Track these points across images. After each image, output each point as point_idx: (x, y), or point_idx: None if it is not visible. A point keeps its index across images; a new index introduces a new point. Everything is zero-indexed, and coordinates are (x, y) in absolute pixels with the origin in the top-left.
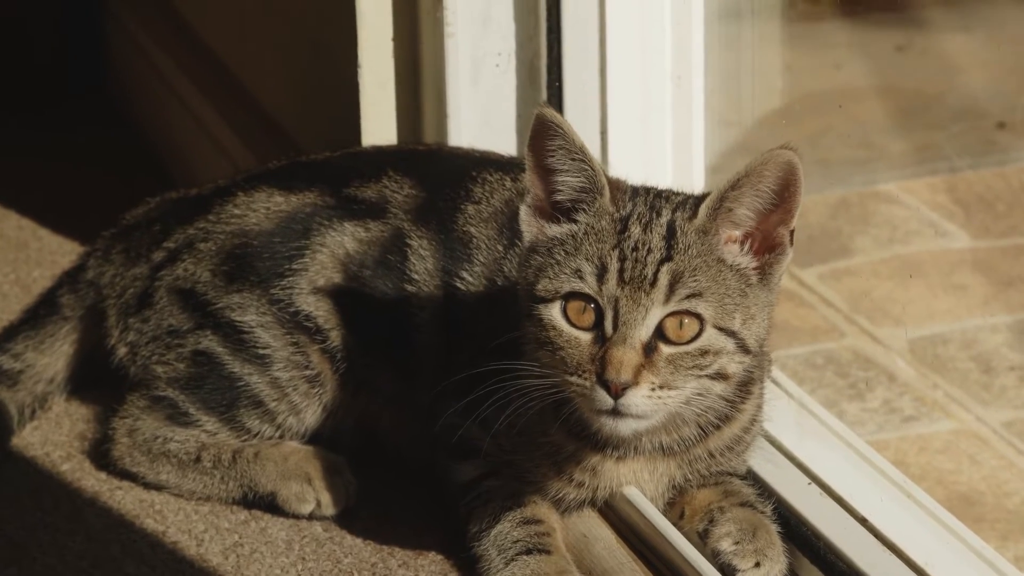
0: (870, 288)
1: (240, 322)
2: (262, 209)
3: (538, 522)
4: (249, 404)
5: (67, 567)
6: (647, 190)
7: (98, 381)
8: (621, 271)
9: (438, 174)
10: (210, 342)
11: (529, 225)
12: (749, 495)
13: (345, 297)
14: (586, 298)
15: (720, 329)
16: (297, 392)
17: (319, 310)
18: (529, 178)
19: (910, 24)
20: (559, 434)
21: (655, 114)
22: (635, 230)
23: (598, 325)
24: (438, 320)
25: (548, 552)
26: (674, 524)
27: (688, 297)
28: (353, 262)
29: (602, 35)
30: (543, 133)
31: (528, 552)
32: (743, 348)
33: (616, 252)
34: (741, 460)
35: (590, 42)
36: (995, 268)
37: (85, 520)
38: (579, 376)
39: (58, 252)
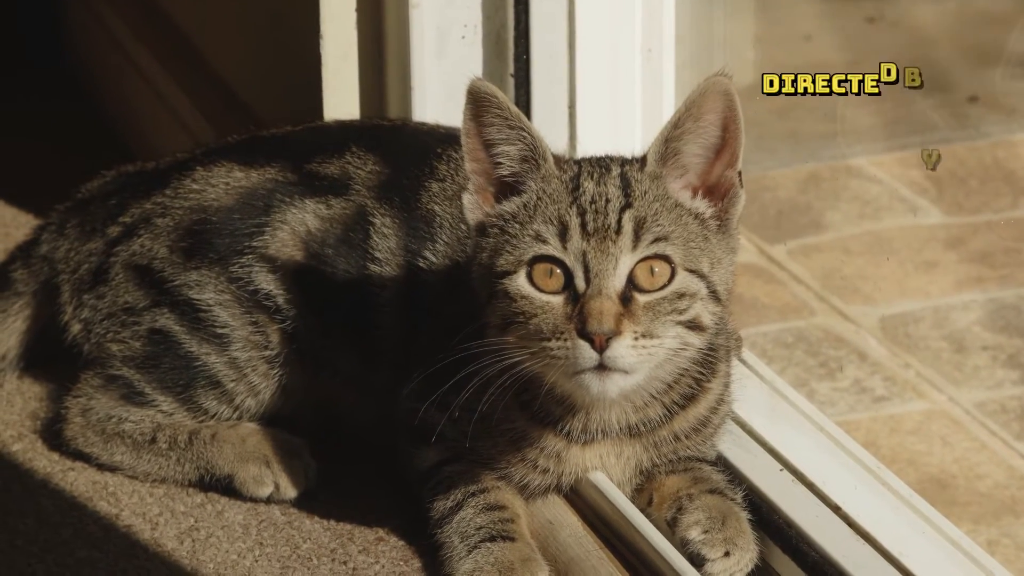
0: (841, 265)
1: (198, 300)
2: (221, 184)
3: (502, 508)
4: (206, 384)
5: (17, 551)
6: (587, 157)
7: (52, 358)
8: (583, 224)
9: (403, 150)
10: (167, 320)
11: (473, 209)
12: (719, 482)
13: (306, 276)
14: (552, 260)
15: (691, 271)
16: (256, 372)
17: (279, 289)
18: (469, 159)
19: None
20: (522, 420)
21: (624, 88)
22: (588, 185)
23: (568, 286)
24: (400, 300)
25: (512, 539)
26: (642, 511)
27: (655, 241)
28: (314, 240)
29: (571, 6)
30: (479, 107)
31: (492, 539)
32: (714, 295)
33: (574, 208)
34: (709, 444)
35: (559, 13)
36: (967, 245)
37: (36, 502)
38: (557, 339)
39: (12, 225)
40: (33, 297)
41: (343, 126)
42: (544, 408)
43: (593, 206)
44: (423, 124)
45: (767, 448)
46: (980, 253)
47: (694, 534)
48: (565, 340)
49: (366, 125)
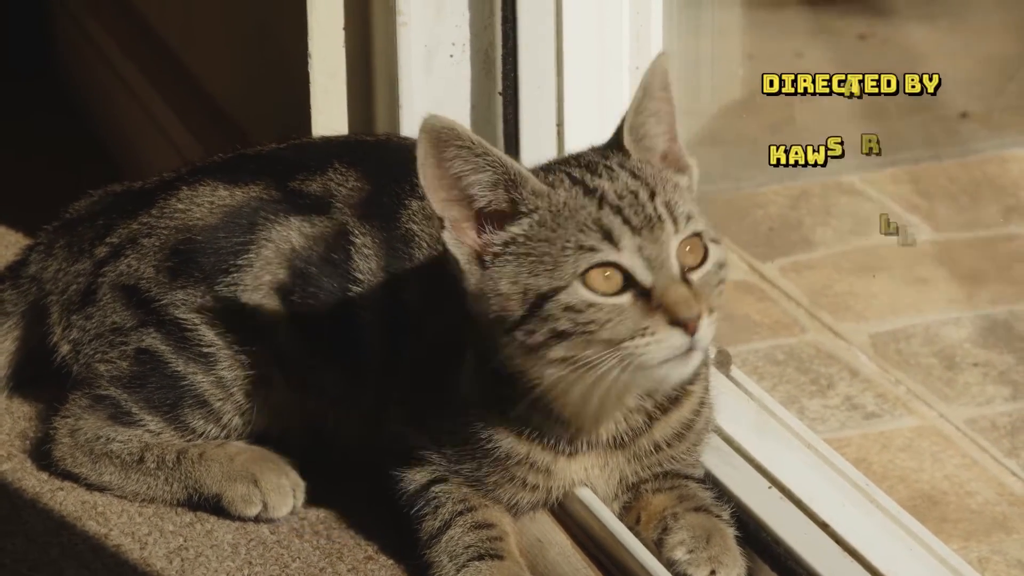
0: (832, 282)
1: (184, 319)
2: (206, 203)
3: (490, 526)
4: (194, 403)
5: (5, 570)
6: (548, 164)
7: (41, 379)
8: (627, 221)
9: (385, 166)
10: (153, 340)
11: (458, 245)
12: (705, 499)
13: (291, 294)
14: (608, 265)
15: (713, 241)
16: (242, 391)
17: (264, 307)
18: (436, 199)
19: (872, 12)
20: (508, 438)
21: (613, 105)
22: (603, 183)
23: (629, 285)
24: (381, 321)
25: (501, 557)
26: (631, 530)
27: (688, 220)
28: (299, 258)
29: (558, 25)
30: (440, 143)
31: (480, 558)
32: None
33: (606, 208)
34: (694, 456)
35: (546, 32)
36: (958, 261)
37: (25, 522)
38: (641, 336)
39: (0, 244)
40: (22, 318)
41: (327, 142)
42: (529, 422)
43: (623, 201)
44: (407, 139)
45: (755, 465)
46: (971, 269)
47: (679, 554)
48: (653, 334)
49: (350, 141)
